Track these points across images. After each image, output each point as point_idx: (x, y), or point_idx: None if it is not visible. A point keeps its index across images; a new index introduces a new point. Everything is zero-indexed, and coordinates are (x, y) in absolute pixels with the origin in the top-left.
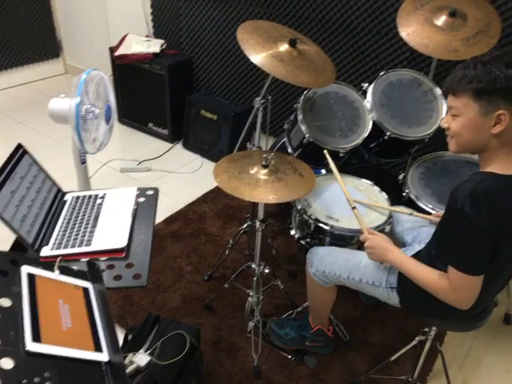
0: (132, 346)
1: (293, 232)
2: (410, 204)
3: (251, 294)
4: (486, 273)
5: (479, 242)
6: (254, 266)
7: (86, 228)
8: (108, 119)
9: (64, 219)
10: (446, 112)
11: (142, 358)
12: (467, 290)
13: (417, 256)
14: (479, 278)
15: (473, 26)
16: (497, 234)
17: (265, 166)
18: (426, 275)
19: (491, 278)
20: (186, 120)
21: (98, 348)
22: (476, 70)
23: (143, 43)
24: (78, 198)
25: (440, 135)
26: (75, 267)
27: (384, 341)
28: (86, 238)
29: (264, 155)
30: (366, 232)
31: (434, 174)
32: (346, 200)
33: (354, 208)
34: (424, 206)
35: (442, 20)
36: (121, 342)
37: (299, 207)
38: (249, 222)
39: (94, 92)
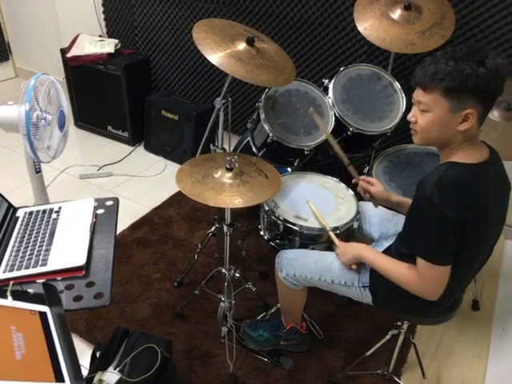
0: (100, 364)
1: (262, 233)
2: None
3: (223, 299)
4: (456, 265)
5: (446, 232)
6: (224, 270)
7: (40, 246)
8: (62, 125)
9: (16, 238)
10: (409, 105)
11: (111, 377)
12: (435, 280)
13: (385, 252)
14: (447, 269)
15: (428, 19)
16: (466, 222)
17: (229, 169)
18: (395, 268)
19: (461, 270)
20: (147, 121)
21: (58, 377)
22: (448, 67)
23: (96, 43)
24: (31, 213)
25: (401, 128)
26: (31, 290)
27: (358, 336)
28: (41, 257)
29: (228, 158)
30: (338, 243)
31: (397, 167)
32: (323, 226)
33: (330, 231)
34: None
35: (397, 13)
36: (88, 359)
37: (267, 208)
38: (217, 225)
39: (45, 97)
